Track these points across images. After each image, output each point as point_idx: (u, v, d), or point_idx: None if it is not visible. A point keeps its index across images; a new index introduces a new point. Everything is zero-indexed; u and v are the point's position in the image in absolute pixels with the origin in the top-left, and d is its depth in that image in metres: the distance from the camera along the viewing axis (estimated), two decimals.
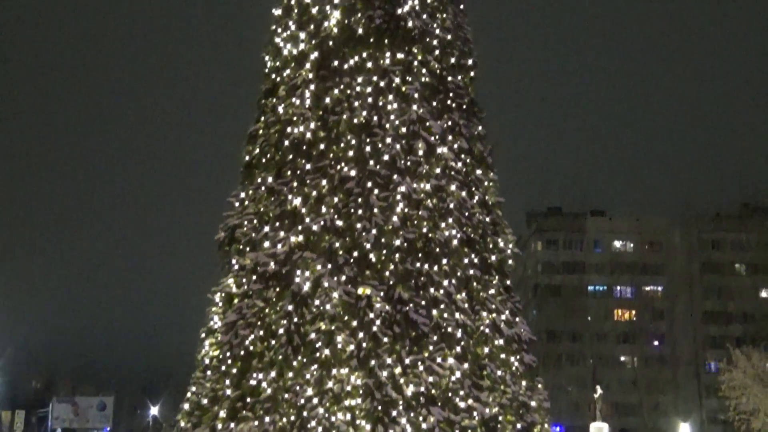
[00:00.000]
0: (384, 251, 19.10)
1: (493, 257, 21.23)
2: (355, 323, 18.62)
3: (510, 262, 21.88)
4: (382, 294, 18.83)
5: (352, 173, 19.73)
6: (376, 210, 19.26)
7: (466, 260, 20.17)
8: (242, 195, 21.17)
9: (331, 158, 20.05)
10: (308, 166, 20.10)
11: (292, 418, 18.20)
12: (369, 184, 19.49)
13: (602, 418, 40.60)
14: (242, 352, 19.27)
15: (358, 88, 20.31)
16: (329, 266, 19.08)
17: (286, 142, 20.43)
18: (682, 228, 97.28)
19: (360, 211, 19.37)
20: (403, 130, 19.98)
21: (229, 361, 19.38)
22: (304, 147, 20.24)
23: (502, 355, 20.25)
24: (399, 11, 20.83)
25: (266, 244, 19.91)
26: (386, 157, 19.61)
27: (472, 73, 22.35)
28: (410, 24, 20.79)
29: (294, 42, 21.35)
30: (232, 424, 18.85)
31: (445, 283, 19.48)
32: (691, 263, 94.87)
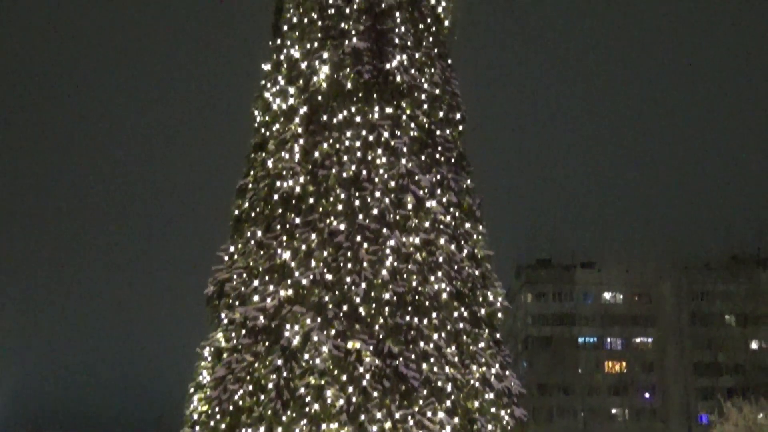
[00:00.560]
0: (373, 305, 19.08)
1: (483, 310, 21.21)
2: (344, 378, 18.54)
3: (500, 315, 21.85)
4: (371, 348, 18.78)
5: (342, 227, 19.77)
6: (365, 264, 19.28)
7: (455, 314, 20.16)
8: (231, 249, 21.17)
9: (321, 212, 20.10)
10: (297, 220, 20.14)
11: None
12: (358, 238, 19.53)
13: None
14: (231, 407, 19.14)
15: (347, 143, 20.43)
16: (319, 320, 19.04)
17: (276, 196, 20.48)
18: (671, 279, 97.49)
19: (349, 265, 19.38)
20: (392, 184, 20.07)
21: (218, 417, 19.24)
22: (294, 201, 20.30)
23: (493, 409, 20.14)
24: (387, 66, 21.02)
25: (255, 298, 19.87)
26: (375, 211, 19.68)
27: (460, 127, 22.49)
28: (399, 79, 20.97)
29: (283, 96, 21.50)
30: None
31: (435, 336, 19.44)
32: (681, 314, 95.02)
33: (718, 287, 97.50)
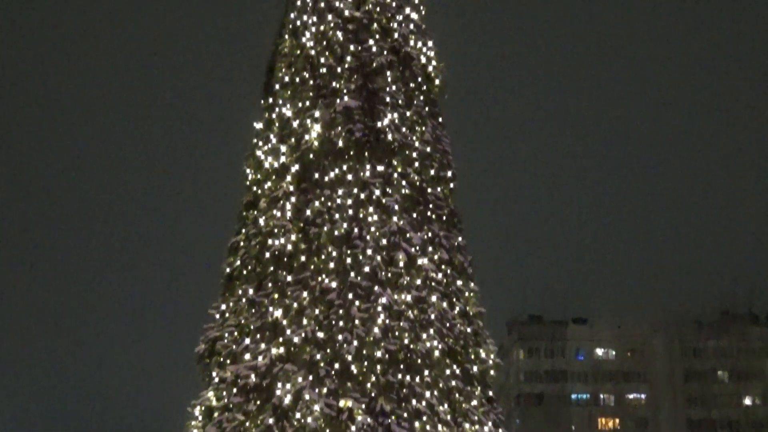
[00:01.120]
0: (365, 363, 19.03)
1: (475, 368, 21.15)
2: None
3: (492, 372, 21.79)
4: (363, 406, 18.69)
5: (333, 285, 19.78)
6: (357, 321, 19.27)
7: (447, 371, 20.11)
8: (223, 307, 21.14)
9: (312, 270, 20.11)
10: (289, 278, 20.14)
11: None
12: (350, 296, 19.53)
13: None
14: None
15: (338, 200, 20.51)
16: (310, 378, 18.97)
17: (267, 254, 20.50)
18: (663, 335, 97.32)
19: (341, 323, 19.36)
20: (384, 241, 20.13)
21: None
22: (285, 259, 20.32)
23: None
24: (379, 125, 21.19)
25: (247, 356, 19.80)
26: (367, 269, 19.71)
27: (451, 185, 22.58)
28: (390, 137, 21.12)
29: (275, 155, 21.62)
30: None
31: (427, 394, 19.36)
32: (674, 370, 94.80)
33: (710, 343, 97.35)
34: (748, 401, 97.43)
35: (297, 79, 22.06)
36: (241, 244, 21.45)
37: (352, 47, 21.88)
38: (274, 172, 21.48)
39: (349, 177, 20.74)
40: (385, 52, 21.96)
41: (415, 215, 21.15)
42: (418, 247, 20.52)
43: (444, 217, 21.83)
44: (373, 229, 20.19)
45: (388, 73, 21.85)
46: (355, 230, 20.17)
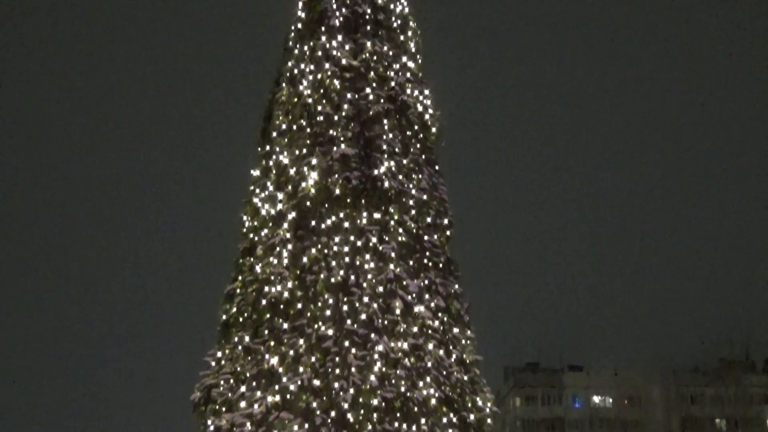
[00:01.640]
0: (362, 411, 18.93)
1: (472, 416, 21.05)
2: None
3: (489, 421, 21.68)
4: None
5: (330, 332, 19.75)
6: (353, 369, 19.21)
7: (444, 420, 20.01)
8: (219, 354, 21.08)
9: (309, 317, 20.09)
10: (285, 326, 20.12)
11: None
12: (346, 344, 19.49)
13: None
14: None
15: (335, 248, 20.54)
16: (306, 426, 18.89)
17: (264, 302, 20.50)
18: (660, 383, 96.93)
19: (337, 371, 19.30)
20: (381, 289, 20.13)
21: None
22: (282, 306, 20.31)
23: None
24: (375, 172, 21.27)
25: (242, 404, 19.72)
26: (363, 316, 19.70)
27: (448, 233, 22.63)
28: (386, 185, 21.20)
29: (272, 202, 21.68)
30: None
31: None
32: (671, 418, 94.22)
33: (708, 390, 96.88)
34: None
35: (294, 127, 22.19)
36: (238, 291, 21.46)
37: (349, 95, 22.03)
38: (271, 220, 21.53)
39: (346, 224, 20.79)
40: (382, 101, 22.12)
41: (411, 263, 21.17)
42: (414, 295, 20.51)
43: (440, 265, 21.85)
44: (369, 276, 20.20)
45: (385, 121, 21.98)
46: (352, 277, 20.19)
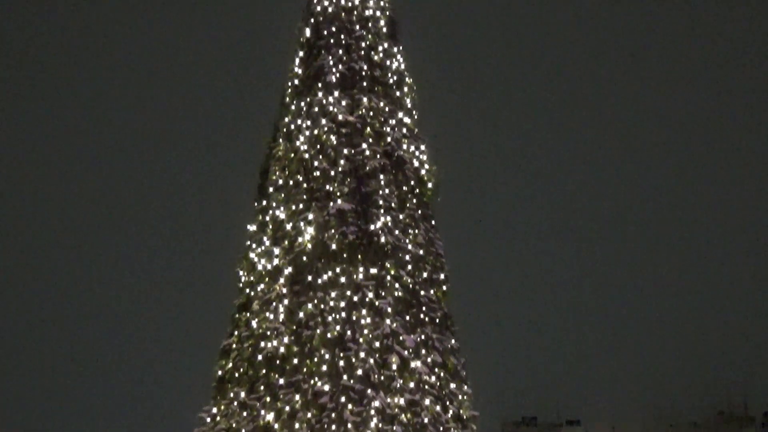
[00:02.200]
0: None
1: None
2: None
3: None
4: None
5: (326, 388, 19.67)
6: (350, 425, 19.12)
7: None
8: (214, 410, 20.97)
9: (305, 373, 20.02)
10: (281, 381, 20.05)
11: None
12: (342, 399, 19.41)
13: None
14: None
15: (331, 303, 20.52)
16: None
17: (260, 357, 20.43)
18: None
19: (333, 427, 19.20)
20: (377, 344, 20.08)
21: None
22: (278, 361, 20.25)
23: None
24: (372, 227, 21.32)
25: None
26: (360, 372, 19.63)
27: (444, 287, 22.62)
28: (383, 240, 21.24)
29: (268, 257, 21.70)
30: None
31: None
32: None
33: None
34: None
35: (291, 182, 22.27)
36: (234, 346, 21.39)
37: (345, 151, 22.14)
38: (267, 275, 21.53)
39: (342, 279, 20.80)
40: (378, 156, 22.22)
41: (408, 318, 21.14)
42: (411, 350, 20.47)
43: (437, 320, 21.82)
44: (366, 331, 20.16)
45: (381, 176, 22.07)
46: (348, 333, 20.15)
